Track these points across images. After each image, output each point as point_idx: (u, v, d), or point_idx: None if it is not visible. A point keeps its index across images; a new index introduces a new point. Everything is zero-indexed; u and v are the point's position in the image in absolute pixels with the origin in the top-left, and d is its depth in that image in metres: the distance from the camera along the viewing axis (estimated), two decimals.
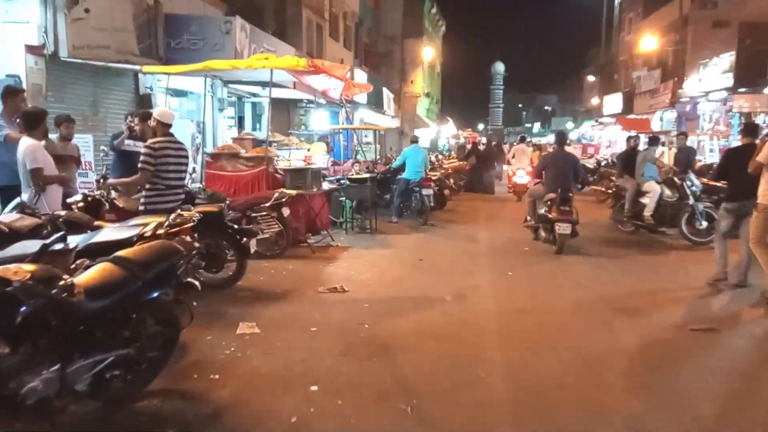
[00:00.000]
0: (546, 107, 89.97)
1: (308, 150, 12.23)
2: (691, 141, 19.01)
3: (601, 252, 9.70)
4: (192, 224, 5.73)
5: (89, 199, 6.50)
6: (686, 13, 25.73)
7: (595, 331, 5.67)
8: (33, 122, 5.99)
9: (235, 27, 12.78)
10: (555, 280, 7.81)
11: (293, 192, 8.67)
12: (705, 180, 11.10)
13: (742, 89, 19.70)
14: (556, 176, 9.76)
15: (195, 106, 13.88)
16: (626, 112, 31.91)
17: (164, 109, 6.60)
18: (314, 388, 4.16)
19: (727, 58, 20.57)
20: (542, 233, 9.88)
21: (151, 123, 6.40)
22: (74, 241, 4.75)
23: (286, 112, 18.98)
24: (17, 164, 5.89)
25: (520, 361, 4.83)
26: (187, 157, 6.62)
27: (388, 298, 6.57)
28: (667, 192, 10.68)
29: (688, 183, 10.41)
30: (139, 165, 6.13)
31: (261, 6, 17.72)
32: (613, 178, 14.26)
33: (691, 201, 10.18)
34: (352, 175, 12.29)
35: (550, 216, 9.42)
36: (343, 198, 10.96)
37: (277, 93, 14.55)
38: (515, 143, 24.34)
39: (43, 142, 6.28)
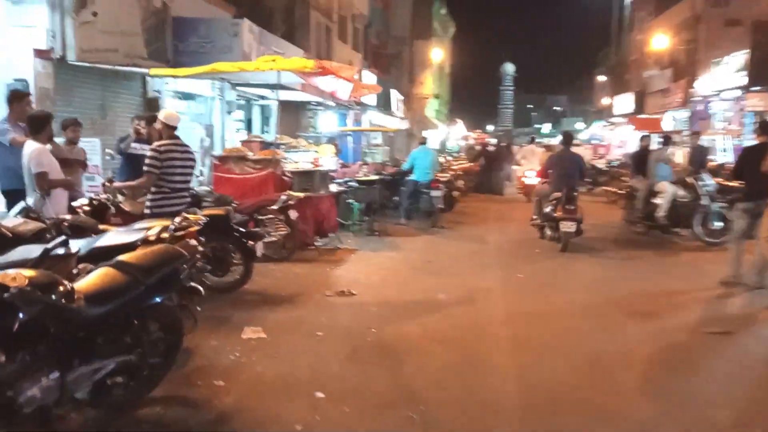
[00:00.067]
0: (556, 108, 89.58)
1: (316, 152, 12.16)
2: (704, 140, 18.78)
3: (613, 253, 9.58)
4: (198, 227, 5.68)
5: (95, 202, 6.45)
6: (698, 11, 25.48)
7: (608, 335, 5.55)
8: (38, 126, 5.96)
9: (243, 29, 12.76)
10: (566, 282, 7.69)
11: (301, 194, 8.60)
12: (719, 180, 10.93)
13: (756, 88, 19.46)
14: (562, 176, 9.91)
15: (203, 109, 13.86)
16: (638, 111, 31.66)
17: (170, 112, 6.54)
18: (320, 394, 4.08)
19: (741, 57, 20.34)
20: (548, 231, 10.05)
21: (157, 126, 6.35)
22: (77, 245, 4.71)
23: (294, 115, 18.94)
24: (23, 168, 5.87)
25: (530, 365, 4.73)
26: (193, 159, 6.57)
27: (396, 302, 6.48)
28: (681, 192, 10.53)
29: (702, 183, 10.25)
30: (145, 168, 6.09)
31: (269, 8, 17.71)
32: (625, 179, 14.11)
33: (705, 201, 10.02)
34: (360, 177, 12.22)
35: (555, 215, 9.59)
36: (352, 200, 10.88)
37: (286, 95, 14.50)
38: (524, 144, 24.19)
39: (48, 146, 6.26)
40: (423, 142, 13.62)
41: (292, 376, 4.39)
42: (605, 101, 41.85)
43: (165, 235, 5.01)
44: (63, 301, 3.09)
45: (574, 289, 7.30)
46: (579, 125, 56.61)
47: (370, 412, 3.88)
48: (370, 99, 21.99)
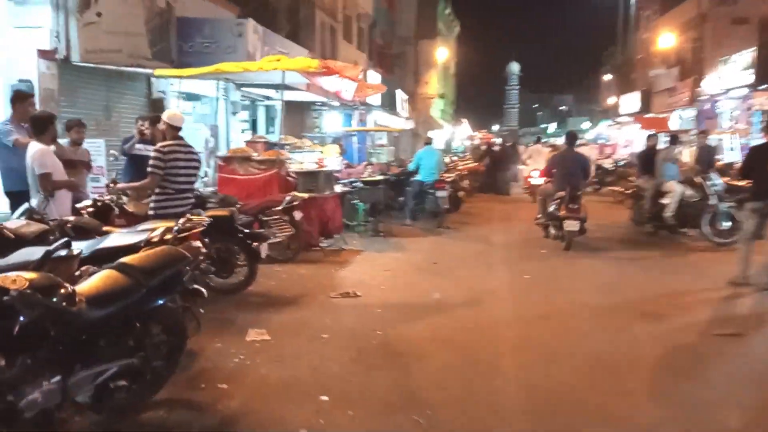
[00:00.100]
0: (562, 107, 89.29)
1: (321, 152, 12.12)
2: (711, 139, 18.66)
3: (620, 254, 9.50)
4: (201, 229, 5.64)
5: (99, 204, 6.42)
6: (704, 9, 25.34)
7: (615, 337, 5.48)
8: (41, 127, 5.93)
9: (247, 29, 12.73)
10: (573, 283, 7.62)
11: (305, 195, 8.56)
12: (727, 179, 10.83)
13: (763, 86, 19.31)
14: (565, 175, 9.98)
15: (208, 110, 13.84)
16: (644, 111, 31.52)
17: (173, 112, 6.50)
18: (325, 397, 4.03)
19: (748, 55, 20.20)
20: (552, 230, 10.15)
21: (161, 126, 6.31)
22: (80, 247, 4.67)
23: (299, 115, 18.92)
24: (26, 169, 5.84)
25: (536, 368, 4.67)
26: (197, 160, 6.52)
27: (401, 303, 6.43)
28: (689, 192, 10.43)
29: (710, 182, 10.15)
30: (148, 169, 6.04)
31: (274, 8, 17.69)
32: (632, 179, 14.01)
33: (713, 201, 9.92)
34: (365, 177, 12.17)
35: (559, 213, 9.69)
36: (356, 201, 10.84)
37: (291, 96, 14.49)
38: (531, 144, 24.09)
39: (52, 147, 6.23)
40: (428, 142, 13.57)
41: (296, 379, 4.34)
42: (611, 100, 41.69)
43: (168, 236, 4.97)
44: (64, 304, 3.05)
45: (581, 290, 7.22)
46: (585, 125, 56.39)
47: (375, 416, 3.83)
48: (375, 99, 21.96)
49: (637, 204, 11.57)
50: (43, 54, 9.00)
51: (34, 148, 5.81)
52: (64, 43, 9.22)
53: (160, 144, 6.13)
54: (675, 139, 11.88)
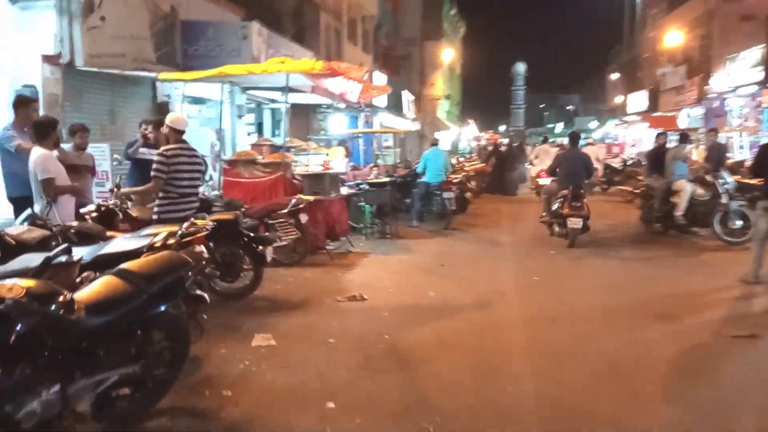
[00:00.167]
0: (568, 107, 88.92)
1: (327, 155, 12.05)
2: (720, 137, 18.49)
3: (631, 254, 9.37)
4: (205, 233, 5.57)
5: (102, 209, 6.36)
6: (712, 6, 25.14)
7: (628, 339, 5.37)
8: (43, 132, 5.89)
9: (252, 32, 12.68)
10: (583, 284, 7.51)
11: (311, 198, 8.48)
12: (738, 177, 10.68)
13: None
14: (568, 174, 10.20)
15: (214, 114, 13.79)
16: (651, 109, 31.32)
17: (177, 116, 6.44)
18: (331, 404, 3.94)
19: (757, 52, 19.99)
20: (556, 228, 10.33)
21: (164, 130, 6.26)
22: (82, 252, 4.61)
23: (305, 118, 18.86)
24: (29, 175, 5.79)
25: (548, 373, 4.56)
26: (200, 164, 6.48)
27: (409, 307, 6.33)
28: (699, 190, 10.30)
29: (721, 181, 10.01)
30: (152, 173, 6.00)
31: (279, 11, 17.64)
32: (640, 178, 13.87)
33: (725, 199, 9.79)
34: (372, 179, 12.08)
35: (562, 211, 9.94)
36: (363, 203, 10.75)
37: (296, 98, 14.39)
38: (538, 144, 23.95)
39: (55, 152, 6.19)
40: (434, 143, 13.47)
41: (302, 385, 4.26)
42: (618, 99, 41.46)
43: (171, 241, 4.91)
44: (61, 312, 2.98)
45: (591, 291, 7.11)
46: (592, 124, 56.14)
47: (382, 423, 3.74)
48: (381, 101, 21.87)
49: (647, 203, 11.44)
50: (48, 59, 8.98)
51: (37, 153, 5.76)
52: (68, 47, 9.19)
53: (163, 148, 6.09)
54: (685, 137, 11.74)
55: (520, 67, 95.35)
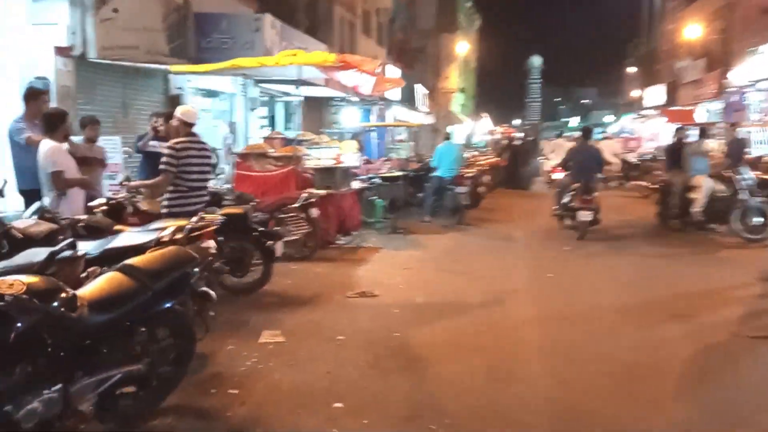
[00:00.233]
0: (584, 101, 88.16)
1: (339, 148, 11.96)
2: (739, 132, 18.15)
3: (647, 251, 9.20)
4: (214, 227, 5.51)
5: (112, 202, 6.32)
6: None
7: (644, 339, 5.24)
8: (53, 124, 5.85)
9: (265, 25, 12.60)
10: (599, 282, 7.37)
11: (322, 192, 8.40)
12: (758, 173, 10.46)
13: None
14: (580, 168, 10.43)
15: (227, 107, 13.76)
16: (669, 103, 30.88)
17: (187, 108, 6.36)
18: (338, 405, 3.86)
19: None
20: (567, 221, 10.51)
21: (174, 123, 6.19)
22: (89, 246, 4.57)
23: (318, 111, 18.79)
24: (39, 167, 5.76)
25: (562, 375, 4.44)
26: (210, 157, 6.41)
27: (420, 304, 6.24)
28: (718, 186, 10.11)
29: (740, 176, 9.81)
30: (161, 166, 5.93)
31: (293, 4, 17.54)
32: (658, 173, 13.65)
33: (744, 196, 9.59)
34: (384, 173, 11.98)
35: (573, 204, 10.12)
36: (375, 197, 10.65)
37: (309, 91, 14.35)
38: (553, 138, 23.69)
39: (64, 145, 6.15)
40: (447, 137, 13.32)
41: (309, 384, 4.18)
42: (635, 93, 40.96)
43: (179, 236, 4.86)
44: (63, 309, 2.91)
45: (606, 289, 6.97)
46: (608, 118, 55.57)
47: (390, 425, 3.66)
48: (395, 94, 21.74)
49: (665, 199, 11.24)
50: (60, 51, 8.95)
51: (46, 145, 5.72)
52: (80, 39, 9.15)
53: (172, 141, 6.01)
54: (704, 132, 11.55)
55: (536, 61, 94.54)
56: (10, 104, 7.61)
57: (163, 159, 5.93)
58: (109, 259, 4.34)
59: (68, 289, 3.05)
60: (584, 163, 10.46)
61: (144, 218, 6.16)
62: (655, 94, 34.02)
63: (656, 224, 11.40)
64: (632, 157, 20.81)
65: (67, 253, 3.73)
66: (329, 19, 20.47)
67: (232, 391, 4.05)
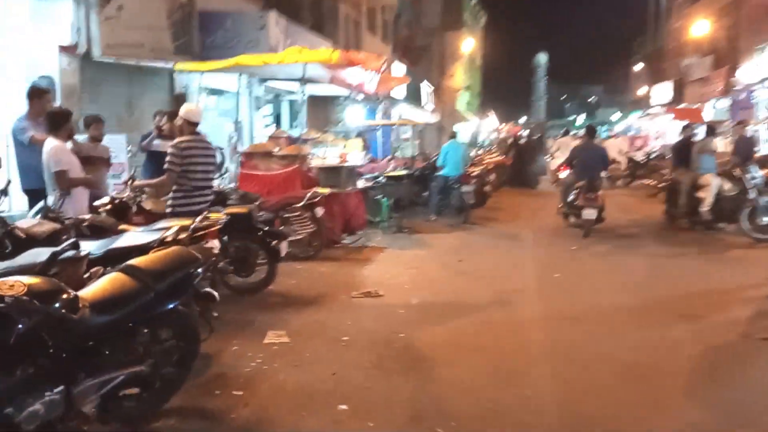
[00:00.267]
0: (590, 98, 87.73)
1: (344, 147, 11.92)
2: (747, 130, 18.00)
3: (654, 250, 9.12)
4: (218, 227, 5.48)
5: (116, 201, 6.30)
6: None
7: (651, 340, 5.17)
8: (57, 123, 5.83)
9: (269, 22, 12.56)
10: (606, 281, 7.30)
11: (326, 191, 8.35)
12: (766, 171, 10.35)
13: None
14: (585, 166, 10.50)
15: (232, 105, 13.72)
16: (676, 101, 30.68)
17: (191, 107, 6.33)
18: (343, 407, 3.82)
19: None
20: (572, 219, 10.63)
21: (178, 122, 6.16)
22: (93, 246, 4.54)
23: (323, 110, 18.73)
24: (43, 167, 5.74)
25: (569, 377, 4.38)
26: (214, 156, 6.38)
27: (425, 304, 6.18)
28: (726, 185, 10.02)
29: (749, 175, 9.71)
30: (165, 166, 5.90)
31: (297, 1, 17.50)
32: (665, 171, 13.56)
33: (753, 194, 9.49)
34: (389, 172, 11.93)
35: (577, 202, 10.22)
36: (380, 196, 10.60)
37: (315, 89, 14.28)
38: (559, 136, 23.57)
39: (69, 144, 6.14)
40: (453, 135, 13.25)
41: (314, 386, 4.14)
42: (642, 91, 40.73)
43: (183, 235, 4.83)
44: (64, 310, 2.88)
45: (613, 289, 6.90)
46: (614, 116, 55.31)
47: (395, 427, 3.61)
48: (400, 92, 21.65)
49: (672, 198, 11.16)
50: (64, 49, 8.94)
51: (50, 144, 5.70)
52: (84, 37, 9.15)
53: (176, 140, 5.98)
54: (712, 129, 11.43)
55: (542, 58, 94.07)
56: (14, 103, 7.60)
57: (167, 158, 5.90)
58: (112, 259, 4.31)
59: (70, 291, 3.02)
60: (588, 161, 10.53)
61: (148, 218, 6.15)
62: (662, 91, 33.80)
63: (664, 223, 11.32)
64: (639, 156, 20.69)
65: (70, 253, 3.71)
66: (334, 17, 20.42)
67: (236, 393, 4.01)
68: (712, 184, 10.11)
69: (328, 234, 8.44)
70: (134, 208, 6.39)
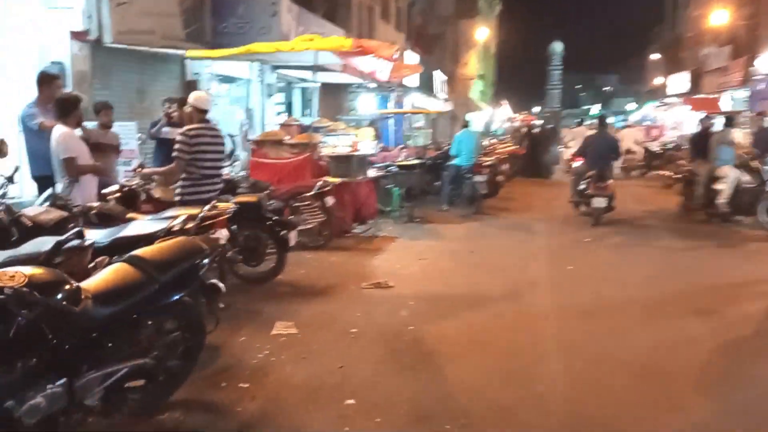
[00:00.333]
0: (606, 88, 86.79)
1: (355, 136, 11.81)
2: (765, 121, 17.66)
3: (670, 243, 8.96)
4: (227, 216, 5.42)
5: (125, 189, 6.24)
6: None
7: (666, 336, 5.06)
8: (66, 109, 5.76)
9: (281, 9, 12.46)
10: (619, 275, 7.17)
11: (337, 180, 8.26)
12: None
13: None
14: (596, 156, 10.64)
15: (244, 93, 13.65)
16: (693, 91, 30.24)
17: (200, 94, 6.25)
18: (350, 401, 3.75)
19: None
20: (582, 207, 10.74)
21: (187, 109, 6.09)
22: (100, 235, 4.49)
23: (336, 98, 18.61)
24: (51, 153, 5.69)
25: (582, 374, 4.28)
26: (224, 144, 6.30)
27: (436, 296, 6.09)
28: (745, 177, 9.84)
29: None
30: (173, 154, 5.84)
31: None
32: (681, 162, 13.35)
33: None
34: (401, 161, 11.82)
35: (588, 191, 10.33)
36: (392, 185, 10.50)
37: (327, 77, 14.19)
38: (573, 126, 23.29)
39: (78, 130, 6.08)
40: (466, 125, 13.09)
41: (321, 379, 4.07)
42: (658, 81, 40.19)
43: (190, 225, 4.76)
44: (65, 302, 2.82)
45: (628, 282, 6.77)
46: (630, 106, 54.66)
47: (403, 424, 3.53)
48: (413, 81, 21.49)
49: (689, 190, 10.98)
50: (76, 35, 8.87)
51: (59, 131, 5.64)
52: (96, 24, 9.07)
53: (185, 128, 5.91)
54: (730, 120, 11.20)
55: (557, 47, 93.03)
56: (25, 89, 7.56)
57: (176, 146, 5.84)
58: (118, 248, 4.25)
59: (72, 282, 2.96)
60: (600, 151, 10.68)
61: (158, 206, 6.09)
62: (679, 81, 33.33)
63: (679, 215, 11.15)
64: (655, 146, 20.37)
65: (75, 242, 3.65)
66: (347, 4, 20.21)
67: (242, 385, 3.96)
68: (730, 176, 9.94)
69: (339, 223, 8.37)
70: (143, 196, 6.34)
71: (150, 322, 3.35)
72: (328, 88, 16.66)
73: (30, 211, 4.47)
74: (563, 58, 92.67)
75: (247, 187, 7.63)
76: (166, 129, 7.69)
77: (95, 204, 5.37)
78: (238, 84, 13.61)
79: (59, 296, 2.83)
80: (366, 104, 17.53)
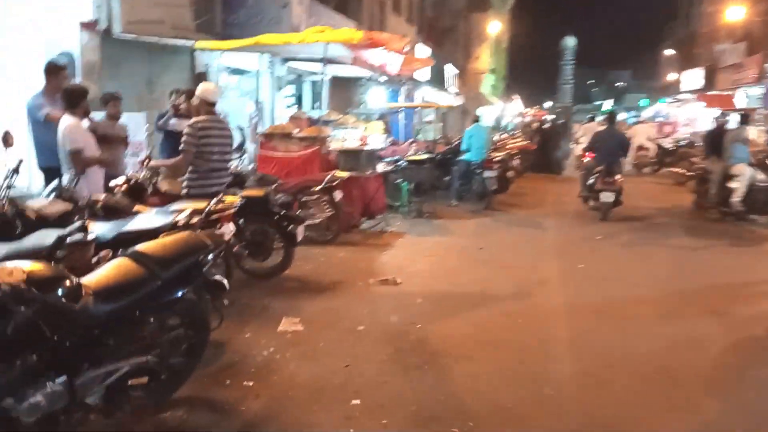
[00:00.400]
0: (618, 83, 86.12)
1: (365, 129, 11.71)
2: None
3: (682, 242, 8.83)
4: (233, 210, 5.36)
5: (132, 181, 6.19)
6: None
7: (677, 338, 4.96)
8: (73, 100, 5.71)
9: (292, 1, 12.35)
10: (631, 274, 7.05)
11: (346, 174, 8.18)
12: None
13: None
14: (604, 152, 10.73)
15: (254, 85, 13.56)
16: (707, 88, 29.89)
17: (208, 86, 6.17)
18: (356, 401, 3.68)
19: None
20: (591, 202, 10.83)
21: (194, 101, 6.02)
22: (104, 228, 4.44)
23: (346, 91, 18.47)
24: (58, 145, 5.64)
25: (591, 375, 4.20)
26: (231, 137, 6.23)
27: (444, 294, 6.01)
28: (760, 175, 9.69)
29: None
30: (180, 146, 5.78)
31: None
32: (694, 159, 13.17)
33: None
34: (410, 155, 11.71)
35: (596, 186, 10.42)
36: (401, 180, 10.41)
37: (337, 70, 14.07)
38: (585, 122, 23.06)
39: (85, 122, 6.04)
40: (476, 119, 12.96)
41: (326, 378, 4.00)
42: (672, 77, 39.77)
43: (195, 219, 4.71)
44: (64, 299, 2.76)
45: (640, 282, 6.65)
46: (643, 102, 54.16)
47: (410, 426, 3.46)
48: (424, 74, 21.33)
49: (702, 187, 10.83)
50: (85, 26, 8.83)
51: (66, 122, 5.60)
52: (105, 14, 9.03)
53: (192, 120, 5.85)
54: (746, 118, 11.02)
55: (570, 41, 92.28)
56: (34, 81, 7.52)
57: (183, 139, 5.79)
58: (123, 242, 4.21)
59: (72, 278, 2.90)
60: (608, 147, 10.76)
61: (164, 199, 6.02)
62: (693, 77, 32.98)
63: (692, 213, 11.00)
64: (667, 143, 20.14)
65: (77, 236, 3.59)
66: None
67: (247, 383, 3.90)
68: (745, 175, 9.79)
69: (347, 218, 8.29)
70: (150, 189, 6.28)
71: (152, 319, 3.29)
72: (338, 82, 16.52)
73: (35, 204, 4.42)
74: (576, 52, 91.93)
75: (254, 181, 7.57)
76: (173, 121, 7.62)
77: (101, 196, 5.32)
78: (248, 76, 13.52)
79: (58, 293, 2.77)
80: (376, 98, 17.38)
